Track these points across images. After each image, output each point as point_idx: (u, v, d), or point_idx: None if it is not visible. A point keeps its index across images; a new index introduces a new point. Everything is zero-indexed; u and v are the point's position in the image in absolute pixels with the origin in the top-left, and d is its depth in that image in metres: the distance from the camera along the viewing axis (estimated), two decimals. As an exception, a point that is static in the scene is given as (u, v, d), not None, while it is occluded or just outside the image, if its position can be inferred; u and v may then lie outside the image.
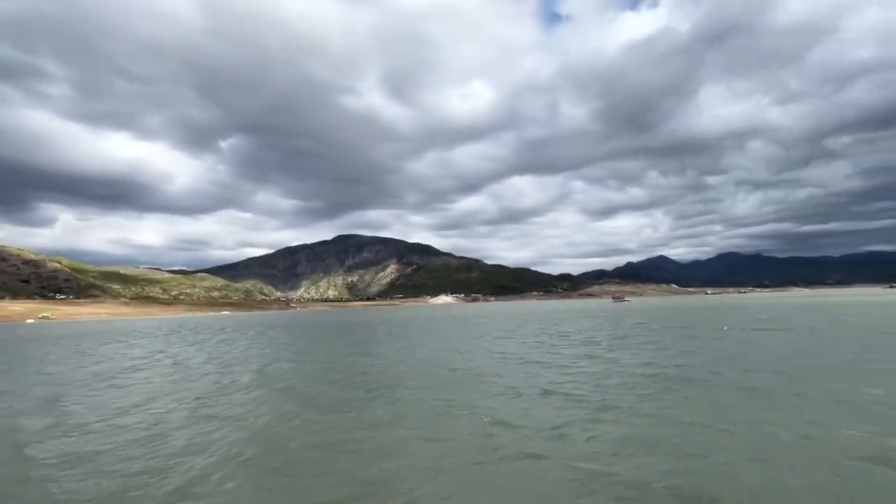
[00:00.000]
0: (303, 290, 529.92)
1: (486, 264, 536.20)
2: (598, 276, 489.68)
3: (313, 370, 14.68)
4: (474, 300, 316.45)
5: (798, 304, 53.22)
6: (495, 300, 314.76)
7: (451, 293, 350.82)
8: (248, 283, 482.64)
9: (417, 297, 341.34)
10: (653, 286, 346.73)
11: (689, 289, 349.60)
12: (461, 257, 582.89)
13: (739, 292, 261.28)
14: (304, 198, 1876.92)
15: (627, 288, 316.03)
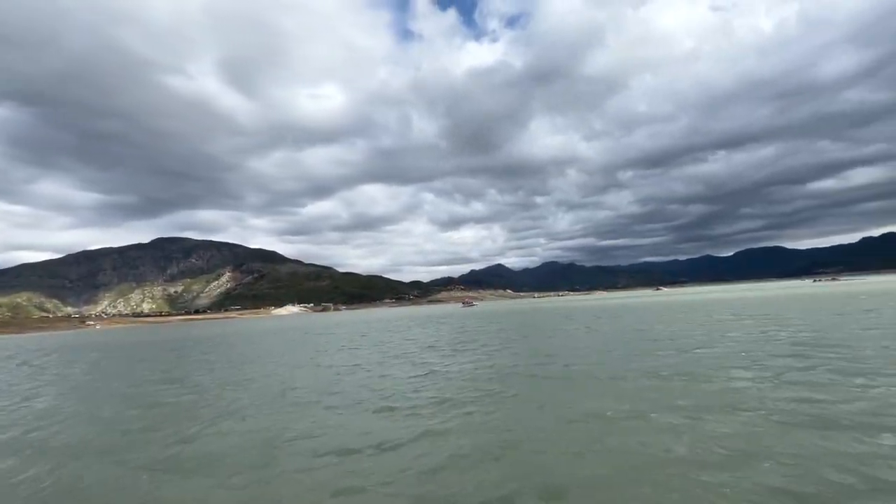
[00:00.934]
0: (106, 303, 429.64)
1: (337, 272, 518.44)
2: (446, 283, 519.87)
3: (86, 410, 11.20)
4: (324, 309, 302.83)
5: (594, 306, 64.58)
6: (347, 309, 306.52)
7: (299, 303, 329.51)
8: (21, 297, 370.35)
9: (259, 307, 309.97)
10: (491, 291, 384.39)
11: (521, 293, 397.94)
12: (311, 265, 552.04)
13: (558, 295, 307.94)
14: (109, 191, 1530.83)
15: (471, 293, 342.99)
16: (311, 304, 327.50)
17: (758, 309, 29.18)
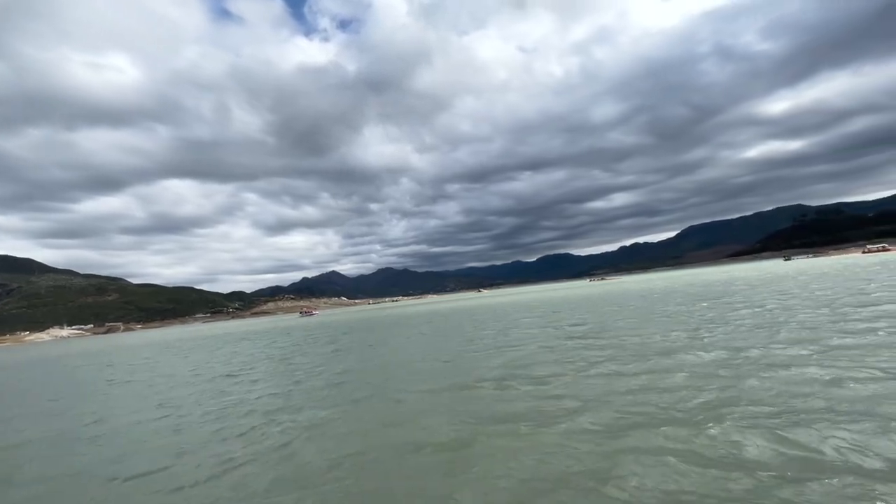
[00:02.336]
0: None
1: (130, 284, 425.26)
2: (274, 293, 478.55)
3: None
4: (110, 330, 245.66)
5: (429, 311, 68.69)
6: (143, 327, 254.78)
7: (72, 323, 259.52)
8: None
9: (4, 334, 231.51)
10: (325, 300, 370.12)
11: (356, 300, 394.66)
12: (90, 275, 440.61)
13: (393, 300, 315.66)
14: None
15: (302, 303, 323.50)
16: (91, 325, 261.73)
17: (550, 306, 35.43)
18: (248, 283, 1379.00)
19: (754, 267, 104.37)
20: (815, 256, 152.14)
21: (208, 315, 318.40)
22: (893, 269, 33.41)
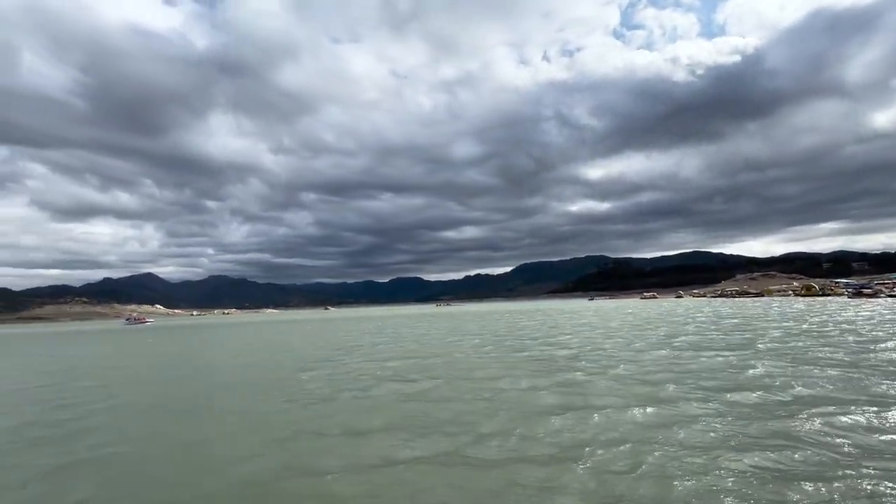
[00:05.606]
0: None
1: None
2: (59, 293, 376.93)
3: None
4: None
5: (260, 322, 63.62)
6: None
7: None
8: None
9: None
10: (135, 306, 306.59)
11: (177, 310, 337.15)
12: None
13: (224, 313, 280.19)
14: None
15: (99, 308, 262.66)
16: None
17: (392, 329, 36.73)
18: (17, 279, 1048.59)
19: (572, 303, 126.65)
20: (610, 298, 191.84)
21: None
22: (655, 309, 45.40)
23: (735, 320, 30.42)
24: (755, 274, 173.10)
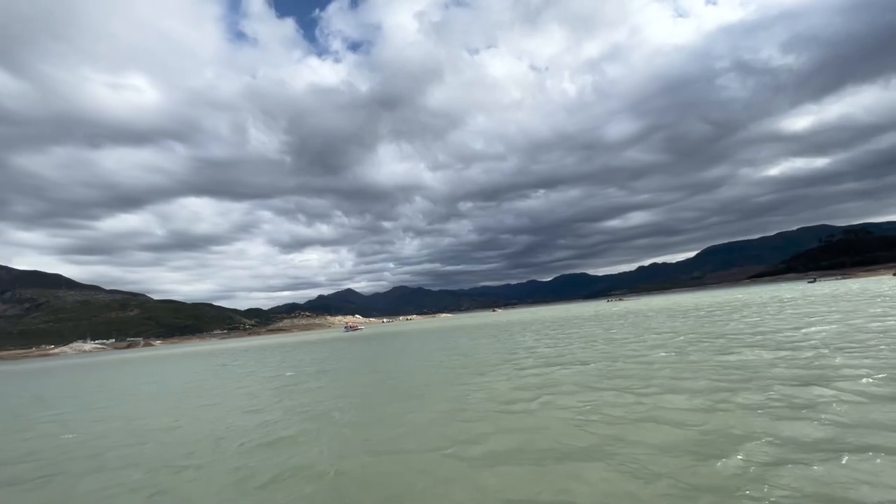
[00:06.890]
0: None
1: (150, 299, 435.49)
2: (291, 310, 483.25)
3: None
4: (131, 345, 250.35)
5: (449, 326, 68.27)
6: (163, 343, 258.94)
7: (94, 338, 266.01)
8: None
9: (29, 347, 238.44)
10: (340, 317, 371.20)
11: (371, 318, 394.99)
12: (114, 291, 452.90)
13: (407, 319, 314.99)
14: None
15: (317, 320, 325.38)
16: (113, 340, 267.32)
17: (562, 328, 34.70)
18: (265, 300, 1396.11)
19: (789, 287, 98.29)
20: (842, 278, 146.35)
21: (225, 331, 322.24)
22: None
23: None
24: None
